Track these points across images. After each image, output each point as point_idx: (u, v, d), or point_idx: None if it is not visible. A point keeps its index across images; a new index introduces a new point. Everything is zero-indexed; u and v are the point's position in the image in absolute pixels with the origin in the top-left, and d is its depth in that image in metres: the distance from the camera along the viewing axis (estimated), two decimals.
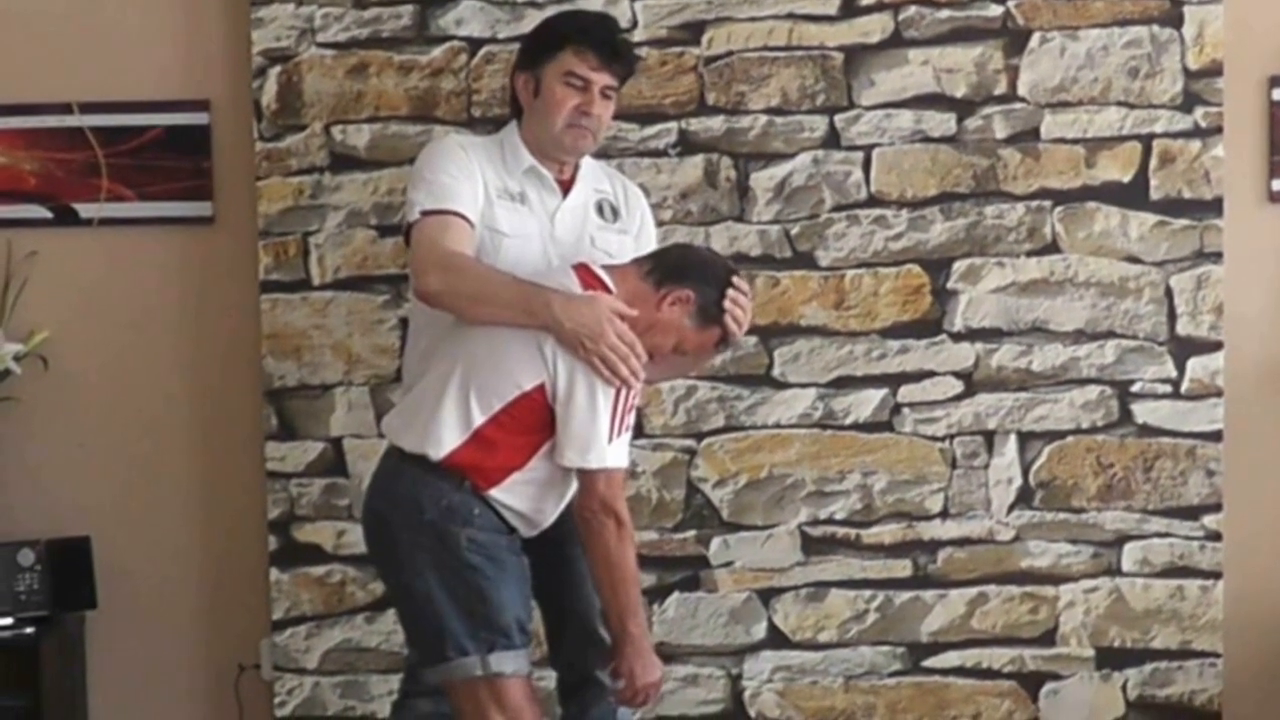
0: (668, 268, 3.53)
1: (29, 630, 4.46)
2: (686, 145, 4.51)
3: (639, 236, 3.84)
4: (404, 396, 3.71)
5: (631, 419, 3.47)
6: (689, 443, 4.54)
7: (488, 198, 3.61)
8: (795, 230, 4.52)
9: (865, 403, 4.53)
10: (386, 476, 3.55)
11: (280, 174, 4.52)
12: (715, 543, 4.56)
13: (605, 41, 3.67)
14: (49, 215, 4.63)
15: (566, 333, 3.38)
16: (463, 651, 3.42)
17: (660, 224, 4.47)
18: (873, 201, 4.51)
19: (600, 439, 3.40)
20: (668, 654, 4.54)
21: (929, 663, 4.56)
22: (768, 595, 4.56)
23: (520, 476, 3.46)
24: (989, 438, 4.53)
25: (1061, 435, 4.52)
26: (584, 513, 3.46)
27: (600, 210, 3.77)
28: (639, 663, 3.56)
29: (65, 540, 4.54)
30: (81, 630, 4.64)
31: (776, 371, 4.54)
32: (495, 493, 3.45)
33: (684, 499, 4.55)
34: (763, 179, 4.51)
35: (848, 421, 4.54)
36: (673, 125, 4.50)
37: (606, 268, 3.53)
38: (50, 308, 4.60)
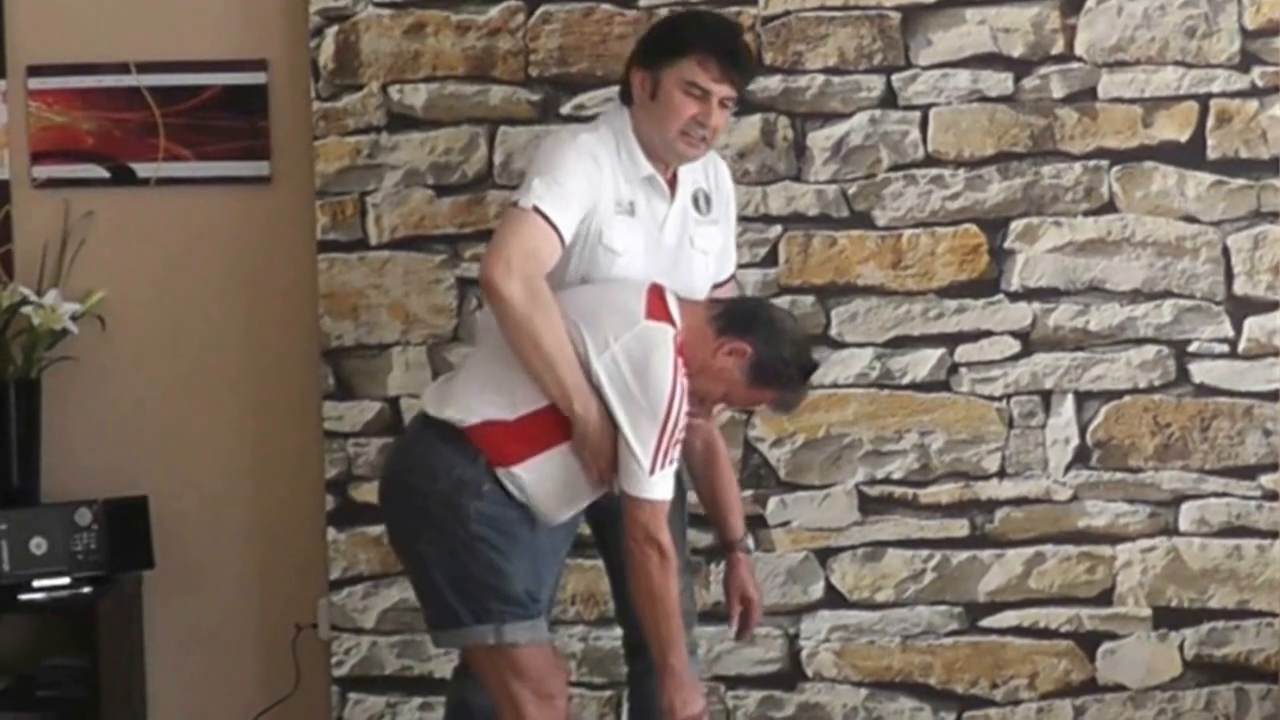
0: (734, 316, 3.52)
1: (86, 590, 4.47)
2: (743, 105, 4.45)
3: (725, 222, 3.82)
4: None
5: (677, 452, 3.43)
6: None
7: (604, 215, 3.56)
8: (852, 190, 4.52)
9: (922, 362, 4.53)
10: (404, 444, 3.59)
11: (337, 134, 4.52)
12: (772, 502, 4.56)
13: (729, 52, 3.61)
14: (106, 175, 4.63)
15: (576, 435, 3.41)
16: (476, 619, 3.42)
17: None
18: (930, 161, 4.51)
19: (639, 470, 3.38)
20: (725, 614, 4.50)
21: (986, 622, 4.56)
22: (825, 555, 4.56)
23: (535, 462, 3.45)
24: (1046, 397, 4.53)
25: (1118, 395, 4.52)
26: (629, 542, 3.45)
27: (696, 203, 3.75)
28: (679, 696, 3.50)
29: (122, 500, 4.54)
30: (139, 590, 4.65)
31: (834, 331, 4.53)
32: (506, 473, 3.44)
33: (741, 458, 4.55)
34: (820, 139, 4.51)
35: (905, 381, 4.53)
36: None
37: (680, 300, 3.51)
38: (107, 268, 4.61)
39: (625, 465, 3.39)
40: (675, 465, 3.44)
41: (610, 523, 3.66)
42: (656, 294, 3.49)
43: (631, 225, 3.60)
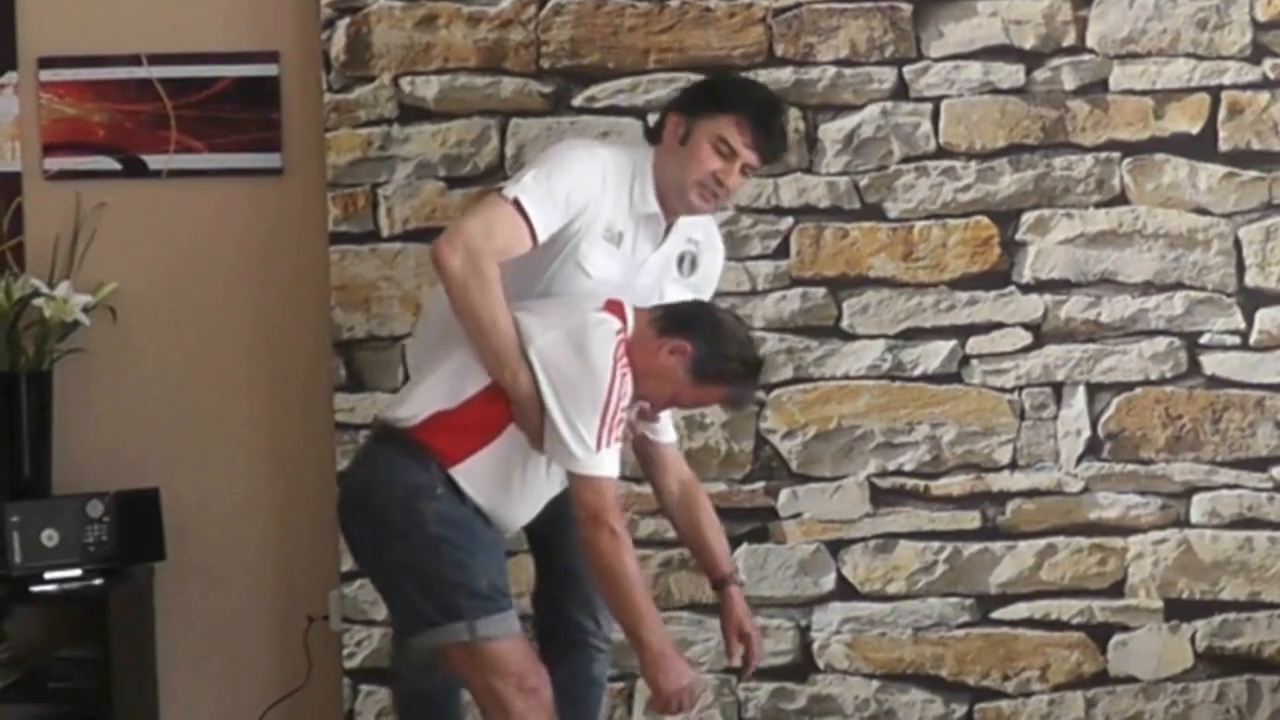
0: (674, 317, 3.53)
1: (98, 582, 4.46)
2: None
3: (700, 294, 3.82)
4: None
5: (621, 431, 3.43)
6: (758, 394, 4.54)
7: (589, 233, 3.58)
8: (864, 182, 4.52)
9: (934, 354, 4.53)
10: (356, 463, 3.63)
11: (349, 125, 4.52)
12: (784, 494, 4.56)
13: (768, 124, 3.65)
14: (118, 167, 4.64)
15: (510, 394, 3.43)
16: (446, 618, 3.40)
17: None
18: (941, 153, 4.51)
19: (584, 449, 3.37)
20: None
21: (997, 614, 4.56)
22: (836, 547, 4.56)
23: (483, 456, 3.45)
24: (1058, 389, 4.53)
25: (1130, 387, 4.52)
26: (579, 526, 3.45)
27: (680, 263, 3.77)
28: (659, 672, 3.46)
29: (134, 492, 4.54)
30: (150, 582, 4.65)
31: (845, 323, 4.54)
32: (458, 471, 3.44)
33: (753, 450, 4.55)
34: (831, 130, 4.51)
35: (916, 373, 4.54)
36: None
37: (636, 310, 3.53)
38: (119, 259, 4.61)
39: (567, 446, 3.38)
40: (620, 445, 3.43)
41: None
42: (615, 302, 3.51)
43: (612, 254, 3.61)
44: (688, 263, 3.78)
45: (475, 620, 3.39)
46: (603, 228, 3.59)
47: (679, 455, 3.88)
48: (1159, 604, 4.54)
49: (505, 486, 3.48)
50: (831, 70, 4.50)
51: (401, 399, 3.57)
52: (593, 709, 3.81)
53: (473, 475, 3.46)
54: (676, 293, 3.72)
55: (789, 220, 4.53)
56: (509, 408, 3.44)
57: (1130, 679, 4.55)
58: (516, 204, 3.49)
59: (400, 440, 3.47)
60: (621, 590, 3.41)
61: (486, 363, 3.44)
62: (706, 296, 3.85)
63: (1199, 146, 4.49)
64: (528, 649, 3.52)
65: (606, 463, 3.40)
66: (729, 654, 3.83)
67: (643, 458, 3.83)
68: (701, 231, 3.82)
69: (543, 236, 3.52)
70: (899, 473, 4.55)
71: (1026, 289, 4.52)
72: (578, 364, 3.39)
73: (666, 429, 3.80)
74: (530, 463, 3.49)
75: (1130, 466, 4.53)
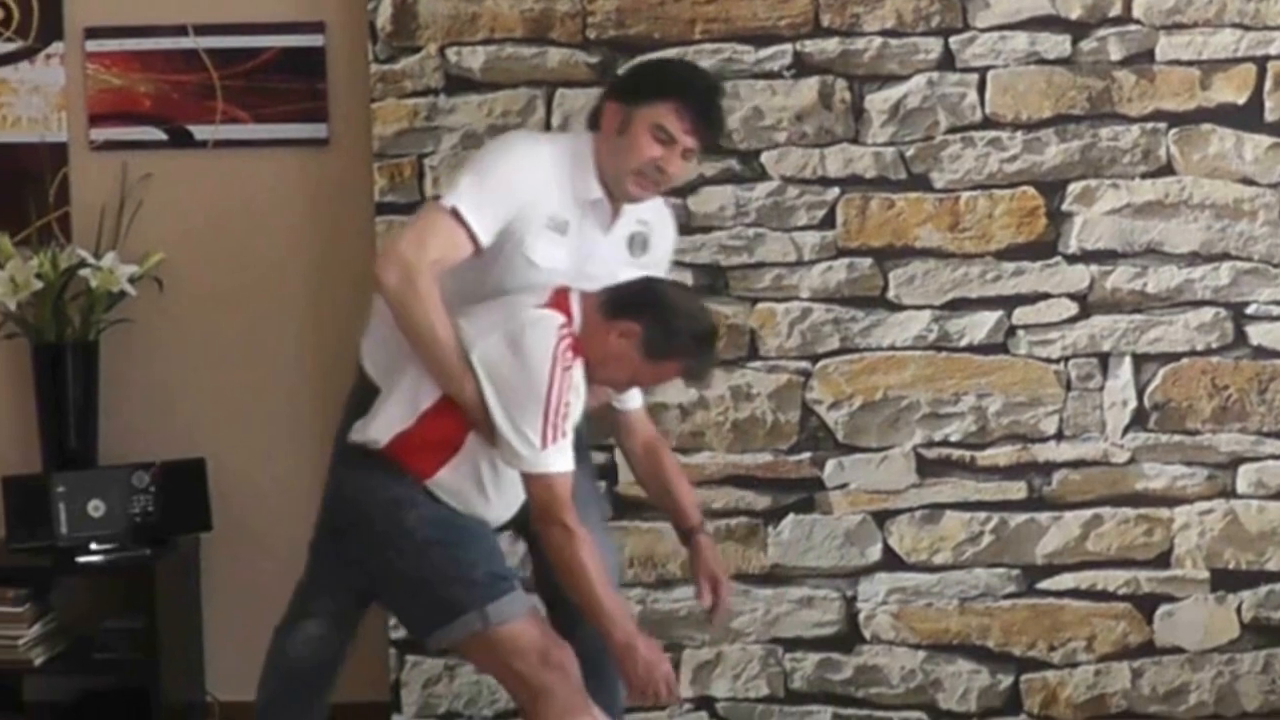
0: (619, 299, 3.49)
1: (144, 552, 4.47)
2: (801, 67, 4.51)
3: (654, 271, 3.78)
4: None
5: (568, 425, 3.40)
6: (804, 365, 4.54)
7: (533, 226, 3.55)
8: (910, 152, 4.52)
9: (980, 325, 4.53)
10: (336, 485, 3.59)
11: (395, 96, 4.52)
12: (830, 465, 4.56)
13: (706, 107, 3.61)
14: (164, 137, 4.65)
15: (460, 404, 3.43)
16: (457, 612, 3.39)
17: (775, 146, 4.52)
18: (987, 123, 4.51)
19: (531, 448, 3.36)
20: (783, 576, 4.57)
21: (1044, 585, 4.56)
22: (883, 517, 4.56)
23: (453, 465, 3.44)
24: (1104, 360, 4.53)
25: (1176, 357, 4.52)
26: (535, 524, 3.44)
27: (631, 244, 3.73)
28: (628, 663, 3.43)
29: (180, 463, 4.56)
30: (196, 552, 4.66)
31: (891, 293, 4.54)
32: (434, 484, 3.44)
33: (799, 421, 4.55)
34: (877, 101, 4.51)
35: (963, 343, 4.53)
36: (788, 47, 4.50)
37: (580, 296, 3.50)
38: (165, 230, 4.62)
39: (513, 447, 3.36)
40: (568, 438, 3.40)
41: None
42: (561, 292, 3.48)
43: (559, 243, 3.58)
44: (638, 243, 3.73)
45: (484, 607, 3.38)
46: (546, 219, 3.55)
47: (643, 416, 3.84)
48: (1205, 574, 4.54)
49: (480, 490, 3.47)
50: (878, 40, 4.49)
51: (368, 420, 3.54)
52: (612, 677, 3.77)
53: (447, 486, 3.45)
54: (630, 276, 3.66)
55: (835, 190, 4.53)
56: (466, 416, 3.43)
57: (1176, 649, 4.55)
58: (454, 212, 3.46)
59: (373, 458, 3.46)
60: (579, 584, 3.38)
61: (433, 375, 3.43)
62: (663, 273, 3.81)
63: (1245, 117, 4.48)
64: (543, 625, 3.50)
65: (554, 459, 3.37)
66: (699, 597, 3.82)
67: (610, 424, 3.84)
68: (651, 211, 3.77)
69: (485, 240, 3.49)
70: (945, 443, 4.55)
71: (1073, 259, 4.51)
72: (516, 364, 3.37)
73: (632, 395, 3.77)
74: (500, 464, 3.47)
75: (1176, 437, 4.53)
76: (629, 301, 3.47)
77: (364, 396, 3.68)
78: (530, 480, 3.40)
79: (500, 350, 3.38)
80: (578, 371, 3.41)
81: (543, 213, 3.55)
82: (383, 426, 3.47)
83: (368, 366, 3.80)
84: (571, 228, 3.60)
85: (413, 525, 3.40)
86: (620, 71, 3.85)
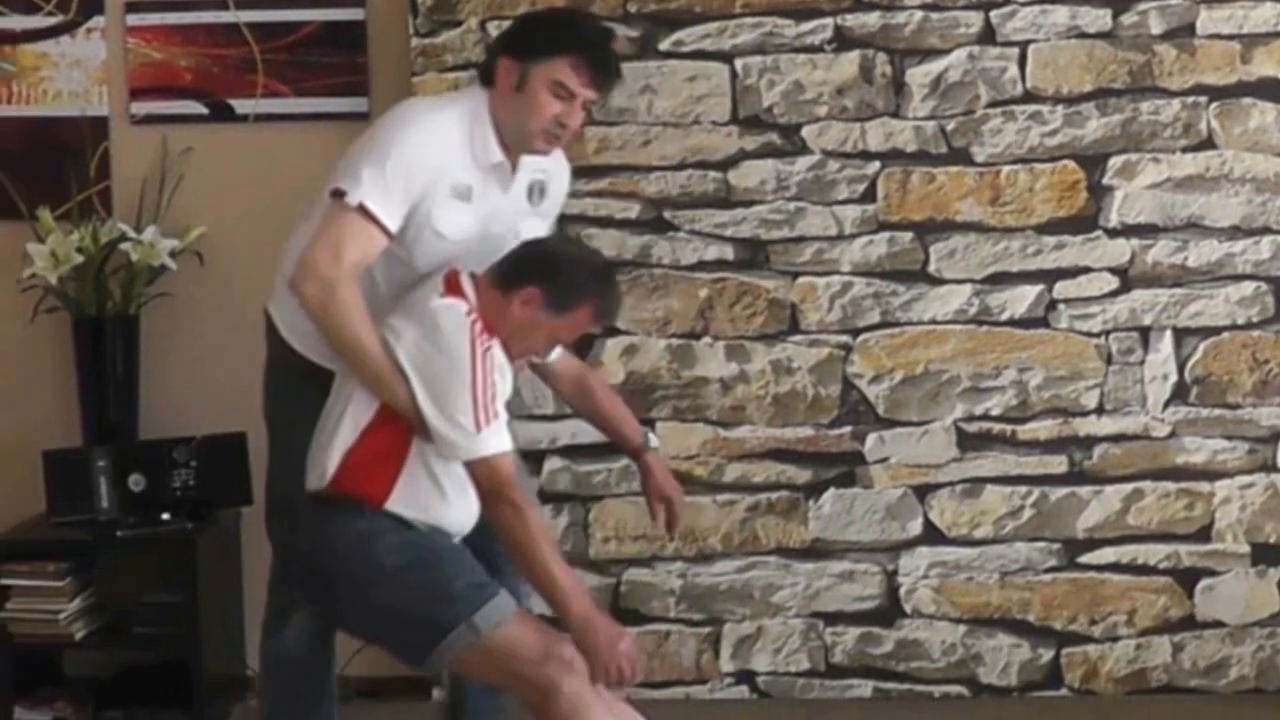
0: (508, 270, 3.46)
1: (185, 526, 4.46)
2: (842, 41, 4.51)
3: (549, 218, 3.77)
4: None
5: (498, 405, 3.37)
6: (845, 339, 4.55)
7: (439, 199, 3.49)
8: (951, 126, 4.52)
9: (1021, 299, 4.53)
10: (301, 536, 3.53)
11: (436, 70, 4.53)
12: (871, 439, 4.56)
13: (602, 59, 3.56)
14: (205, 111, 4.65)
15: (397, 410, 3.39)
16: (445, 630, 3.33)
17: (816, 120, 4.52)
18: (1028, 97, 4.51)
19: (466, 434, 3.33)
20: (823, 550, 4.57)
21: (1084, 559, 4.56)
22: (923, 491, 4.56)
23: (405, 476, 3.41)
24: (1144, 334, 4.53)
25: (1217, 331, 4.52)
26: (483, 507, 3.41)
27: (530, 194, 3.67)
28: (589, 637, 3.28)
29: (221, 436, 4.54)
30: (237, 526, 4.65)
31: (932, 267, 4.54)
32: (392, 505, 3.41)
33: (840, 395, 4.56)
34: (918, 75, 4.51)
35: (1003, 317, 4.54)
36: (829, 21, 4.51)
37: (473, 277, 3.47)
38: (206, 204, 4.62)
39: (448, 438, 3.34)
40: (501, 419, 3.37)
41: None
42: (452, 277, 3.45)
43: (464, 210, 3.53)
44: (537, 192, 3.68)
45: (471, 618, 3.32)
46: (449, 188, 3.50)
47: (564, 356, 3.78)
48: (1246, 548, 4.54)
49: (440, 493, 3.44)
50: (919, 14, 4.50)
51: (309, 467, 3.50)
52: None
53: (406, 501, 3.42)
54: (532, 226, 3.64)
55: (876, 164, 4.53)
56: (406, 423, 3.40)
57: (1217, 623, 4.55)
58: (361, 208, 3.41)
59: (325, 500, 3.44)
60: (532, 562, 3.33)
61: (367, 385, 3.41)
62: (553, 220, 3.80)
63: None
64: (535, 621, 3.43)
65: (491, 441, 3.34)
66: (653, 517, 3.80)
67: (539, 376, 3.83)
68: (549, 159, 3.70)
69: (394, 228, 3.45)
70: (986, 417, 4.55)
71: (1113, 233, 4.52)
72: (436, 355, 3.35)
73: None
74: (451, 463, 3.44)
75: (1217, 411, 4.53)
76: (519, 269, 3.44)
77: (302, 371, 3.65)
78: (473, 467, 3.36)
79: (419, 345, 3.36)
80: (497, 351, 3.39)
81: (446, 183, 3.49)
82: (326, 460, 3.44)
83: (297, 346, 3.71)
84: (475, 192, 3.54)
85: (382, 557, 3.37)
86: (509, 25, 3.78)
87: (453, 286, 3.42)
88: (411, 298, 3.46)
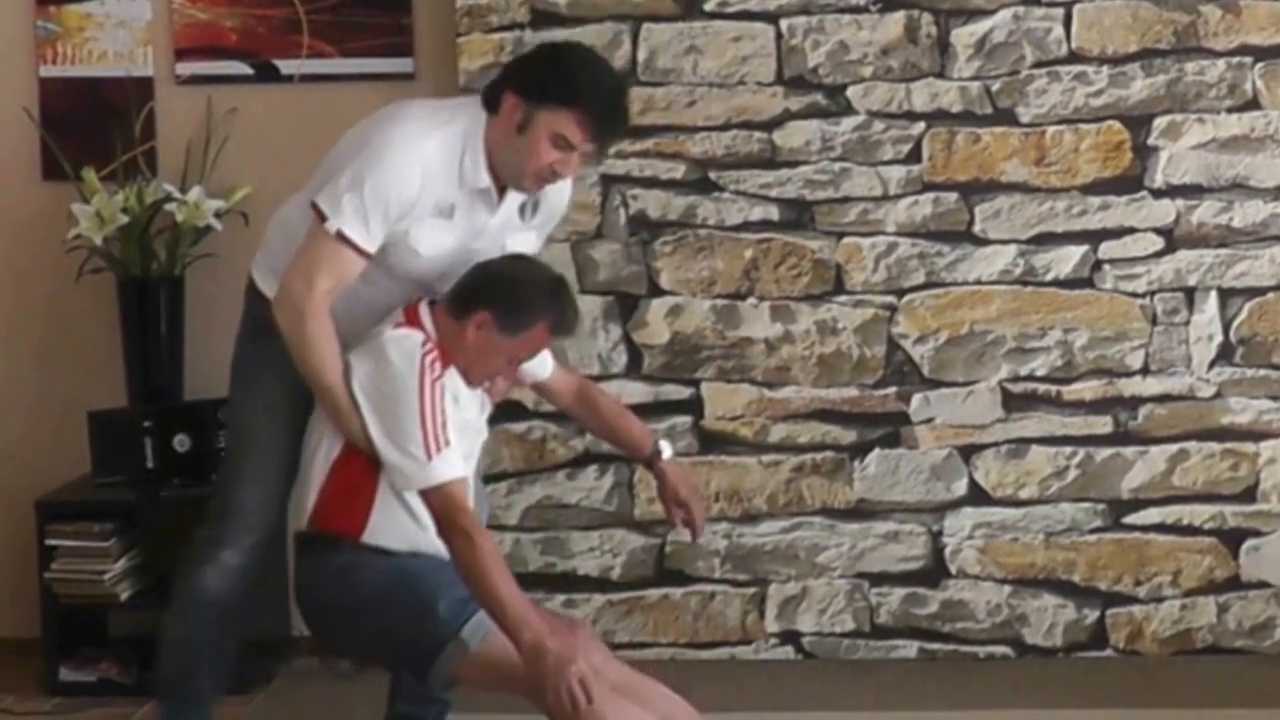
0: (458, 297, 3.46)
1: None
2: (887, 1, 4.51)
3: (542, 231, 3.74)
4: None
5: (448, 434, 3.36)
6: (889, 299, 4.55)
7: (418, 217, 3.46)
8: (996, 87, 4.52)
9: (1066, 259, 4.53)
10: (295, 574, 3.58)
11: (481, 30, 4.53)
12: (916, 399, 4.56)
13: (611, 120, 3.52)
14: (250, 72, 4.65)
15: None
16: (438, 648, 3.35)
17: (861, 80, 4.52)
18: (1073, 58, 4.51)
19: (418, 464, 3.34)
20: (868, 511, 4.57)
21: (1130, 519, 4.56)
22: (968, 452, 4.57)
23: (379, 506, 3.43)
24: (1189, 294, 4.53)
25: (1262, 292, 4.53)
26: (439, 535, 3.40)
27: (522, 210, 3.64)
28: (538, 665, 3.21)
29: None
30: None
31: (977, 228, 4.54)
32: (369, 537, 3.42)
33: (885, 355, 4.56)
34: (963, 35, 4.51)
35: (1048, 278, 4.54)
36: None
37: (431, 306, 3.48)
38: (251, 164, 4.62)
39: (401, 469, 3.36)
40: (453, 447, 3.37)
41: None
42: (411, 309, 3.47)
43: (445, 228, 3.51)
44: (530, 207, 3.65)
45: (459, 634, 3.34)
46: (431, 207, 3.48)
47: (561, 373, 3.79)
48: None
49: (415, 520, 3.44)
50: None
51: (292, 505, 3.58)
52: None
53: (383, 531, 3.43)
54: (521, 240, 3.62)
55: (921, 125, 4.53)
56: (366, 469, 3.43)
57: (1262, 584, 4.55)
58: (340, 235, 3.41)
59: (305, 542, 3.49)
60: (483, 588, 3.29)
61: (330, 418, 3.45)
62: (546, 233, 3.77)
63: None
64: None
65: (441, 468, 3.35)
66: (670, 522, 3.80)
67: (541, 395, 3.87)
68: None
69: (373, 250, 3.44)
70: (1031, 378, 4.55)
71: (1158, 194, 4.52)
72: (384, 384, 3.37)
73: (539, 367, 3.70)
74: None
75: (1262, 371, 4.53)
76: (470, 295, 3.44)
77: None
78: (426, 495, 3.37)
79: (370, 378, 3.39)
80: (450, 379, 3.40)
81: (429, 203, 3.47)
82: (302, 501, 3.50)
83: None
84: (459, 211, 3.51)
85: (367, 582, 3.40)
86: (523, 56, 3.73)
87: (411, 318, 3.45)
88: (372, 332, 3.47)
